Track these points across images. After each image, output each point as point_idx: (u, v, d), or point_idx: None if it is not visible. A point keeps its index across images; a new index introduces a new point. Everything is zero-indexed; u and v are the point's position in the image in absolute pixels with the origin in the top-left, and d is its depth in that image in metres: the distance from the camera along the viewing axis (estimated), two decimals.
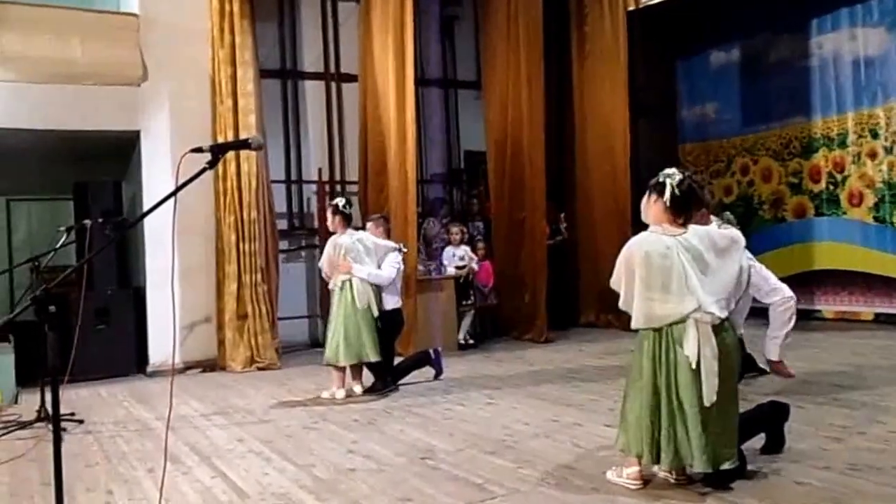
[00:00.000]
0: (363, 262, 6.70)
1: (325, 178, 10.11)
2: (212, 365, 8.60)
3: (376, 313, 6.68)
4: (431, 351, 7.55)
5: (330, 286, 6.86)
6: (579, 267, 11.05)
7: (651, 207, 3.95)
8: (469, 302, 9.75)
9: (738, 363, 4.01)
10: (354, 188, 10.05)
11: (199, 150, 2.98)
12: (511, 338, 10.06)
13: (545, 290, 9.88)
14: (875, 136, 9.96)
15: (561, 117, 11.27)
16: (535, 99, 10.01)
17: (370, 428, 5.63)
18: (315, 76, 10.29)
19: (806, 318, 10.16)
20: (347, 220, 6.78)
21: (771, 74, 11.17)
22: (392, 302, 6.93)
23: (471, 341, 9.59)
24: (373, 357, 6.65)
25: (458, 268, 9.60)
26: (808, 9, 10.62)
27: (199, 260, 8.60)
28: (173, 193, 2.90)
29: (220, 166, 7.68)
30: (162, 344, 8.43)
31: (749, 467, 4.12)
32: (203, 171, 2.93)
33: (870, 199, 10.06)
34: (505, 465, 4.54)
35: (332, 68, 10.33)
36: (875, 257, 9.96)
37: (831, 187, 10.49)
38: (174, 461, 4.90)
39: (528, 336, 9.84)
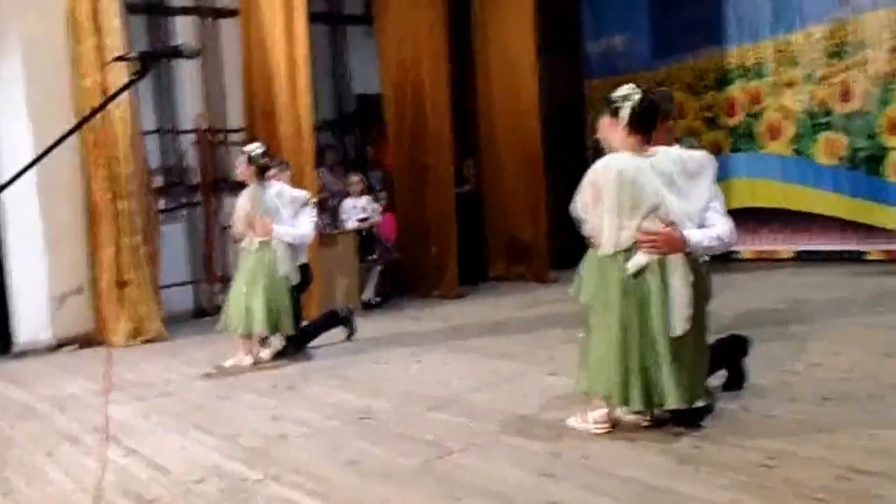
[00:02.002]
0: (283, 220, 6.44)
1: (205, 126, 9.70)
2: (89, 340, 8.11)
3: (296, 280, 6.47)
4: (340, 309, 7.40)
5: (242, 245, 6.58)
6: (486, 216, 10.97)
7: (612, 132, 3.94)
8: (374, 257, 9.58)
9: (709, 292, 4.03)
10: (238, 137, 9.67)
11: (122, 58, 2.76)
12: (417, 295, 9.88)
13: (454, 243, 9.81)
14: (794, 64, 10.11)
15: (462, 54, 11.02)
16: (437, 34, 9.82)
17: (291, 393, 5.46)
18: (187, 10, 9.78)
19: (725, 260, 10.43)
20: (262, 171, 6.53)
21: (682, 2, 11.18)
22: (302, 257, 6.72)
23: (377, 299, 9.41)
24: (291, 330, 6.47)
25: (360, 220, 9.43)
26: None
27: (67, 222, 8.05)
28: (93, 114, 2.65)
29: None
30: (30, 319, 7.96)
31: None
32: (131, 83, 2.69)
33: (789, 132, 10.26)
34: (453, 421, 4.48)
35: (206, 1, 9.85)
36: (795, 192, 10.22)
37: (749, 120, 10.67)
38: (74, 442, 4.64)
39: (437, 292, 9.74)
